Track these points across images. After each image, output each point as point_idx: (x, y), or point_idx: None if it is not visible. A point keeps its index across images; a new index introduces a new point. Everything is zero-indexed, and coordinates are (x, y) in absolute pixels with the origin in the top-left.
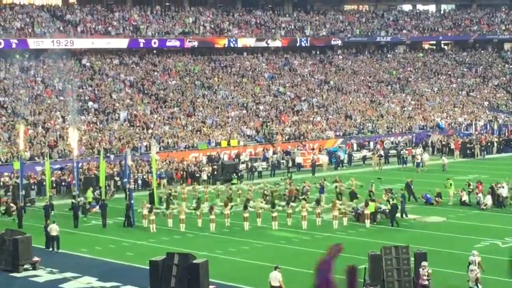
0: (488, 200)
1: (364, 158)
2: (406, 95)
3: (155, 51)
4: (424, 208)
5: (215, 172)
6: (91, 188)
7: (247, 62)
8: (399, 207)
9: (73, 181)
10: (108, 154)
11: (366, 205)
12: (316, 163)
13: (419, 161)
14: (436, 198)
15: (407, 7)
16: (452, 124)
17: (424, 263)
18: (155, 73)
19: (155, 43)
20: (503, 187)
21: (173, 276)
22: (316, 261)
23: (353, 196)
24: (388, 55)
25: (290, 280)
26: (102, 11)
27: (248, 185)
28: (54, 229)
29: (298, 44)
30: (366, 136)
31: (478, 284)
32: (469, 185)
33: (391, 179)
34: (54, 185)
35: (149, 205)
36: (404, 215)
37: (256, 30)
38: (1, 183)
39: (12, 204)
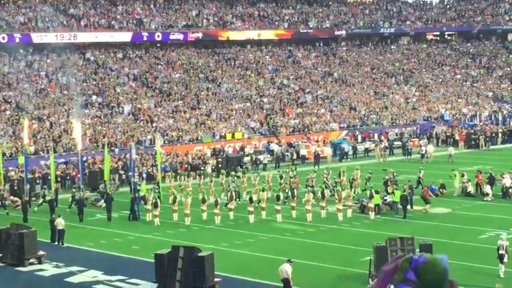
0: (488, 189)
1: (366, 150)
2: (410, 86)
3: (158, 44)
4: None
5: (220, 165)
6: (144, 181)
7: (251, 55)
8: (409, 198)
9: (77, 175)
10: (113, 148)
11: (371, 197)
12: (320, 155)
13: (423, 152)
14: (441, 190)
15: None
16: (457, 115)
17: None
18: (159, 66)
19: (158, 36)
20: (506, 177)
21: (178, 269)
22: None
23: (386, 185)
24: (392, 47)
25: (296, 272)
26: (105, 5)
27: (254, 179)
28: (60, 223)
29: (301, 36)
30: (371, 128)
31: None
32: (463, 175)
33: (397, 171)
34: (59, 179)
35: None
36: (410, 206)
37: (260, 23)
38: (7, 178)
39: (16, 198)
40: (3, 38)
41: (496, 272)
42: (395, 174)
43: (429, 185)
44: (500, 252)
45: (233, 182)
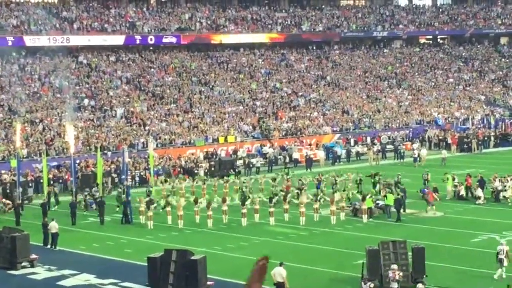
0: (479, 192)
1: (358, 154)
2: (402, 90)
3: (151, 48)
4: (421, 203)
5: (212, 168)
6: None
7: (244, 58)
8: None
9: (70, 178)
10: (105, 151)
11: (364, 200)
12: (313, 159)
13: (416, 156)
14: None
15: (403, 2)
16: (449, 119)
17: (394, 266)
18: (152, 69)
19: (151, 39)
20: (495, 180)
21: (171, 273)
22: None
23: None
24: (385, 50)
25: (289, 275)
26: (98, 8)
27: (246, 182)
28: (53, 227)
29: (294, 40)
30: (363, 131)
31: (503, 268)
32: (454, 178)
33: (389, 174)
34: (52, 182)
35: (147, 199)
36: (403, 210)
37: (253, 26)
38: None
39: (8, 201)
40: None
41: (488, 275)
42: (400, 176)
43: (422, 188)
44: (500, 256)
45: (244, 183)
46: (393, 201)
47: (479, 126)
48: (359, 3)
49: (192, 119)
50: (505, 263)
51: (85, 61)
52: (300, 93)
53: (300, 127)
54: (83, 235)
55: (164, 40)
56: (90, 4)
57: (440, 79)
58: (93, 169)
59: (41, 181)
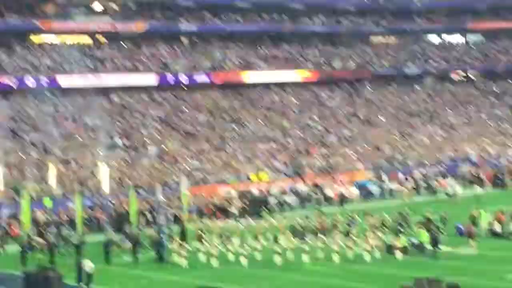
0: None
1: (391, 191)
2: (435, 126)
3: (183, 87)
4: (456, 240)
5: (245, 206)
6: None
7: (275, 96)
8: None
9: (104, 218)
10: (139, 190)
11: (397, 237)
12: (346, 196)
13: (450, 192)
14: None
15: (434, 39)
16: (482, 155)
17: None
18: (184, 108)
19: (183, 78)
20: None
21: None
22: None
23: (428, 225)
24: (416, 87)
25: None
26: (130, 48)
27: (278, 220)
28: (88, 266)
29: (325, 77)
30: (396, 168)
31: None
32: (488, 215)
33: (423, 211)
34: (86, 222)
35: (179, 242)
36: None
37: (284, 64)
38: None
39: (43, 241)
40: (29, 80)
41: None
42: (446, 213)
43: (457, 224)
44: None
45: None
46: (427, 238)
47: None
48: (390, 40)
49: (225, 157)
50: None
51: (117, 100)
52: (332, 130)
53: (332, 164)
54: (117, 274)
55: (196, 79)
56: (122, 44)
57: (473, 115)
58: (126, 208)
59: (76, 220)
